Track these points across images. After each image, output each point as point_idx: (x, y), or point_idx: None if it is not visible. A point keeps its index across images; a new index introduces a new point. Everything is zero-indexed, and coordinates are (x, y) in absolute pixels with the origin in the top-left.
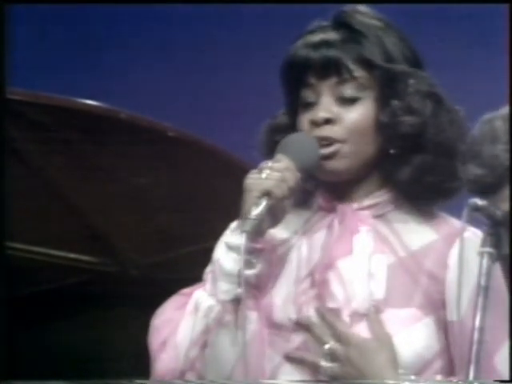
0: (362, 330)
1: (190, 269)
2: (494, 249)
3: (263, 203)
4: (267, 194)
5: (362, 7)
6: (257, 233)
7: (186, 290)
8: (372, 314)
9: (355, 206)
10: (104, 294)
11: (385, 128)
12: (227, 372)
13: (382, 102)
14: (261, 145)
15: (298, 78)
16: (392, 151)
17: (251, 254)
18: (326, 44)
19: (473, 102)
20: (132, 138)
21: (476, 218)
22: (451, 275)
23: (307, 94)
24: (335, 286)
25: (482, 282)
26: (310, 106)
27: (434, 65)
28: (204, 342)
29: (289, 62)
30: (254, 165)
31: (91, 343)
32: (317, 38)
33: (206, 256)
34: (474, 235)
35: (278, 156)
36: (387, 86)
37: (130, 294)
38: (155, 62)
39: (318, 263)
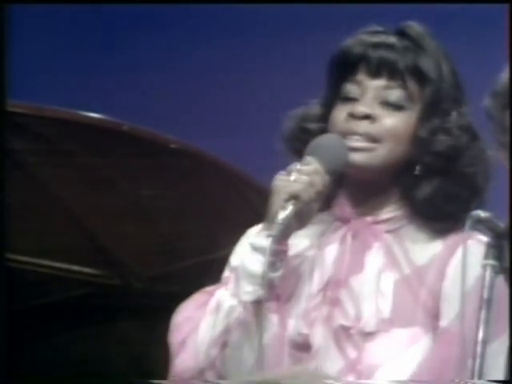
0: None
1: (192, 281)
2: (496, 261)
3: (290, 207)
4: (295, 197)
5: (418, 24)
6: (283, 236)
7: (208, 289)
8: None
9: (370, 219)
10: (106, 306)
11: (420, 143)
12: (246, 373)
13: (425, 117)
14: (288, 132)
15: (346, 73)
16: (418, 168)
17: (276, 256)
18: (386, 46)
19: (473, 101)
20: (134, 150)
21: (479, 230)
22: (447, 284)
23: (351, 89)
24: (347, 304)
25: (485, 295)
26: (350, 100)
27: None
28: (224, 341)
29: (342, 55)
30: (256, 177)
31: (93, 356)
32: (377, 39)
33: (208, 268)
34: (477, 242)
35: (308, 158)
36: (433, 104)
37: (132, 307)
38: (156, 64)
39: (330, 279)
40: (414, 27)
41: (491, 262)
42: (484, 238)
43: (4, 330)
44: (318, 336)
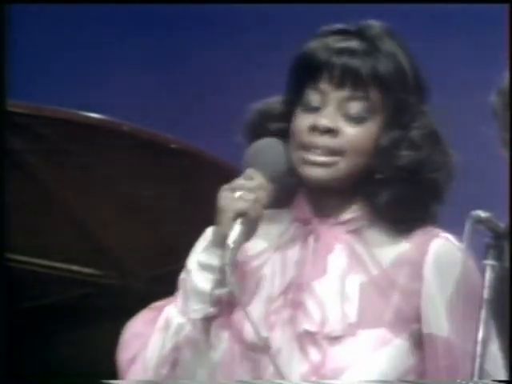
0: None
1: None
2: (496, 261)
3: (238, 226)
4: (242, 215)
5: (380, 24)
6: (233, 256)
7: (156, 304)
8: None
9: (331, 220)
10: (106, 306)
11: (383, 155)
12: None
13: (387, 127)
14: (248, 127)
15: (309, 78)
16: (379, 176)
17: (225, 273)
18: (349, 52)
19: (473, 101)
20: (134, 150)
21: (479, 230)
22: (427, 287)
23: (314, 98)
24: (312, 308)
25: (485, 295)
26: (313, 110)
27: (434, 65)
28: (175, 359)
29: (306, 60)
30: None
31: (92, 357)
32: (341, 44)
33: None
34: (446, 241)
35: (249, 172)
36: (396, 113)
37: (132, 307)
38: (156, 64)
39: (291, 282)
40: (373, 27)
41: (491, 262)
42: (449, 235)
43: (4, 330)
44: (279, 339)
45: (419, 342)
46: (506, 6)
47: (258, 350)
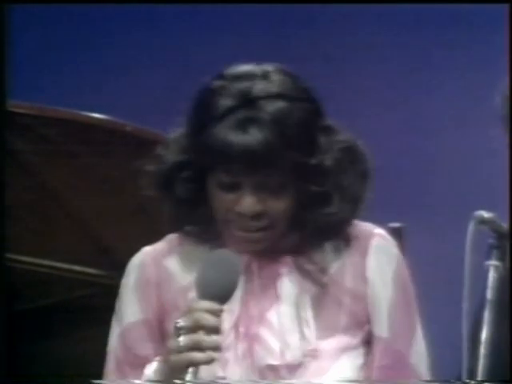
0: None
1: None
2: (499, 262)
3: (192, 371)
4: (196, 365)
5: (265, 84)
6: None
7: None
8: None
9: (270, 248)
10: (108, 306)
11: (305, 213)
12: None
13: (300, 190)
14: (158, 177)
15: (216, 162)
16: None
17: None
18: (252, 145)
19: (473, 101)
20: (138, 150)
21: (482, 230)
22: (371, 289)
23: (226, 180)
24: (269, 339)
25: (489, 296)
26: (228, 188)
27: (434, 64)
28: None
29: (208, 146)
30: None
31: (95, 357)
32: (240, 132)
33: None
34: (381, 239)
35: (203, 305)
36: (302, 174)
37: None
38: (156, 64)
39: (241, 315)
40: (258, 99)
41: (494, 262)
42: (382, 231)
43: (5, 331)
44: (237, 374)
45: (370, 342)
46: (506, 6)
47: None
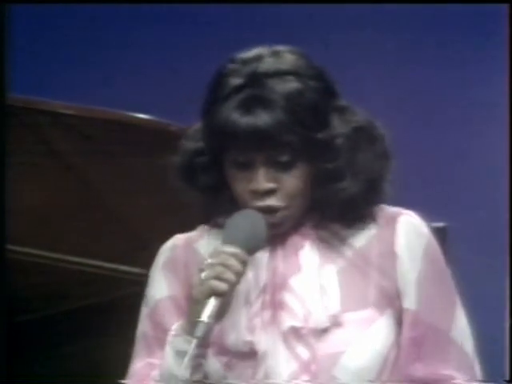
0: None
1: None
2: None
3: (212, 303)
4: (216, 294)
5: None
6: (206, 335)
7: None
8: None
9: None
10: None
11: (318, 190)
12: None
13: (313, 163)
14: (181, 167)
15: (226, 142)
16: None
17: (200, 357)
18: (255, 125)
19: (473, 101)
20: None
21: None
22: (400, 263)
23: (240, 159)
24: (293, 305)
25: None
26: (242, 166)
27: (434, 64)
28: None
29: (217, 129)
30: None
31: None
32: (243, 111)
33: None
34: (410, 217)
35: (229, 251)
36: (313, 150)
37: None
38: (157, 63)
39: (266, 283)
40: (265, 67)
41: None
42: (411, 212)
43: (49, 330)
44: (263, 342)
45: (401, 317)
46: (506, 6)
47: (245, 357)
